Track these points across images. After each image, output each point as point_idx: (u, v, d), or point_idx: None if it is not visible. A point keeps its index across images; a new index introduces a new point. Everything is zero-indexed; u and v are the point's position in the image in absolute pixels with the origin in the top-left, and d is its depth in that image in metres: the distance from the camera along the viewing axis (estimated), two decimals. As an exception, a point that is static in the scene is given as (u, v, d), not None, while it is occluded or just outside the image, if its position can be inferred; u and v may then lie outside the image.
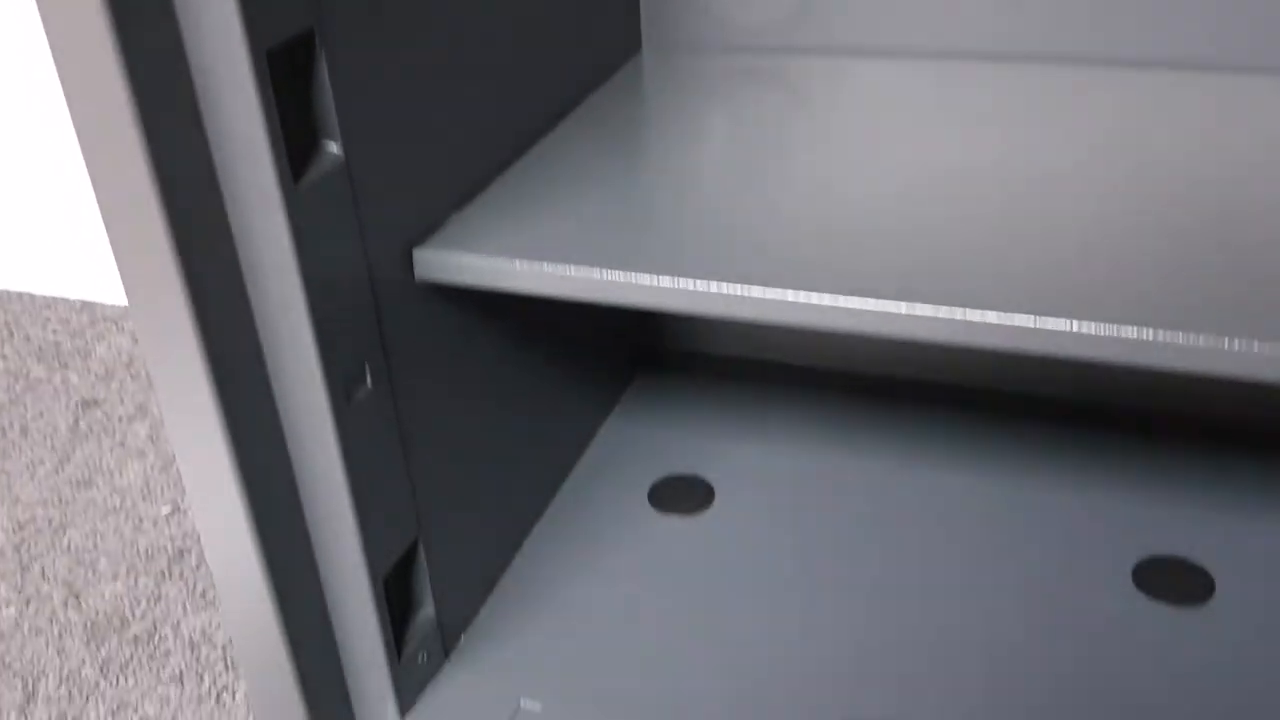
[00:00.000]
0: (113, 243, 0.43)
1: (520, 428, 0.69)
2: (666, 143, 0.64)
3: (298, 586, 0.54)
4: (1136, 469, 0.76)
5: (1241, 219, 0.52)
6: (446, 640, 0.64)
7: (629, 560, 0.71)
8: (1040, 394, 0.83)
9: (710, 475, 0.78)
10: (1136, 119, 0.63)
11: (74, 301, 1.23)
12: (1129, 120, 0.63)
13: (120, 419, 1.02)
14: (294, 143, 0.45)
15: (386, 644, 0.57)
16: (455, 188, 0.57)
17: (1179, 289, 0.46)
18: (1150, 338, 0.44)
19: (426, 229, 0.55)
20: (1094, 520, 0.71)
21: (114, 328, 1.17)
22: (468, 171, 0.58)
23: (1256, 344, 0.42)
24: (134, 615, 0.79)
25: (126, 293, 0.44)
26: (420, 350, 0.56)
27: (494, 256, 0.52)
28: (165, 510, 0.90)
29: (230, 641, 0.76)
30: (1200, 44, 0.69)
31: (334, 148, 0.47)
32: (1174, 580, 0.67)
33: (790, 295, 0.48)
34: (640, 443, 0.81)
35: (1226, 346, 0.43)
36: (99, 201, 0.42)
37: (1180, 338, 0.44)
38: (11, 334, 1.17)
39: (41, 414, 1.03)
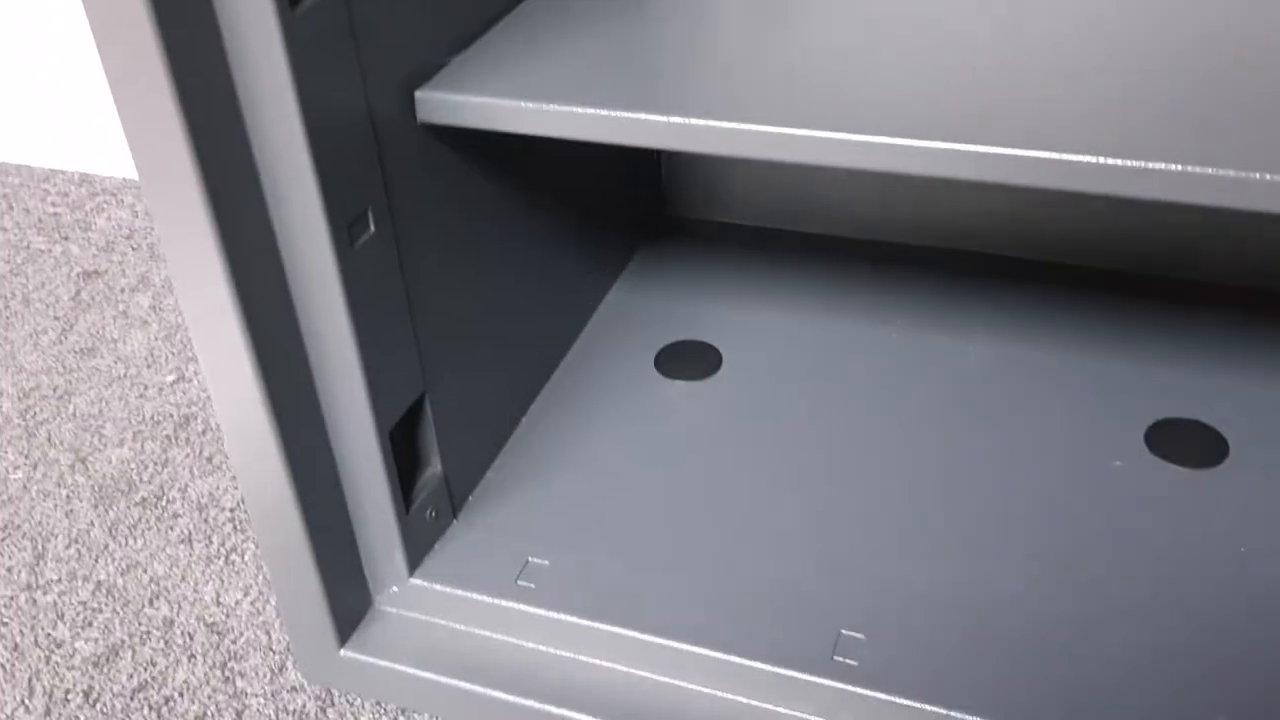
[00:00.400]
0: (109, 78, 0.41)
1: (526, 286, 0.68)
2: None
3: (306, 439, 0.53)
4: (1148, 334, 0.75)
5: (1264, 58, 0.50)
6: (455, 499, 0.63)
7: (636, 423, 0.70)
8: (1052, 260, 0.82)
9: (717, 340, 0.77)
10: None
11: (72, 174, 1.21)
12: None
13: (122, 290, 1.01)
14: (290, -32, 0.43)
15: (394, 497, 0.57)
16: (455, 31, 0.55)
17: (1193, 124, 0.45)
18: (1157, 168, 0.42)
19: (427, 71, 0.53)
20: (1107, 384, 0.71)
21: (113, 200, 1.15)
22: (468, 14, 0.56)
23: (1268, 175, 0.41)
24: (141, 479, 0.79)
25: (126, 136, 0.43)
26: (423, 195, 0.55)
27: (495, 98, 0.51)
28: (170, 378, 0.89)
29: (239, 504, 0.76)
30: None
31: (332, -25, 0.45)
32: (1188, 442, 0.67)
33: (789, 131, 0.46)
34: (646, 309, 0.80)
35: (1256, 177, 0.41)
36: (96, 40, 0.40)
37: (1199, 170, 0.42)
38: (11, 206, 1.16)
39: (43, 285, 1.02)
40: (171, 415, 0.85)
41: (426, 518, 0.60)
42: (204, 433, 0.83)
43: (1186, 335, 0.74)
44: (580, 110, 0.49)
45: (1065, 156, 0.43)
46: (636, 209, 0.86)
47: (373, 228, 0.51)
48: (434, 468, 0.61)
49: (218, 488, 0.78)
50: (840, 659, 0.55)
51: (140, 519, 0.76)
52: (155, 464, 0.81)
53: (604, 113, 0.49)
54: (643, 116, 0.49)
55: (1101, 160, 0.43)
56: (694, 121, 0.48)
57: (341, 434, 0.55)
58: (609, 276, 0.82)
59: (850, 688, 0.53)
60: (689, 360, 0.75)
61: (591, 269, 0.79)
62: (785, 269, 0.83)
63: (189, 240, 0.45)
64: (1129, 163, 0.43)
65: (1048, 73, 0.49)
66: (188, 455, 0.81)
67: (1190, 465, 0.65)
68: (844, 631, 0.56)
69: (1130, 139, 0.44)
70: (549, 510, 0.64)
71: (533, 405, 0.72)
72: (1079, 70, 0.49)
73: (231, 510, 0.76)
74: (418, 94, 0.52)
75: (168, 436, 0.83)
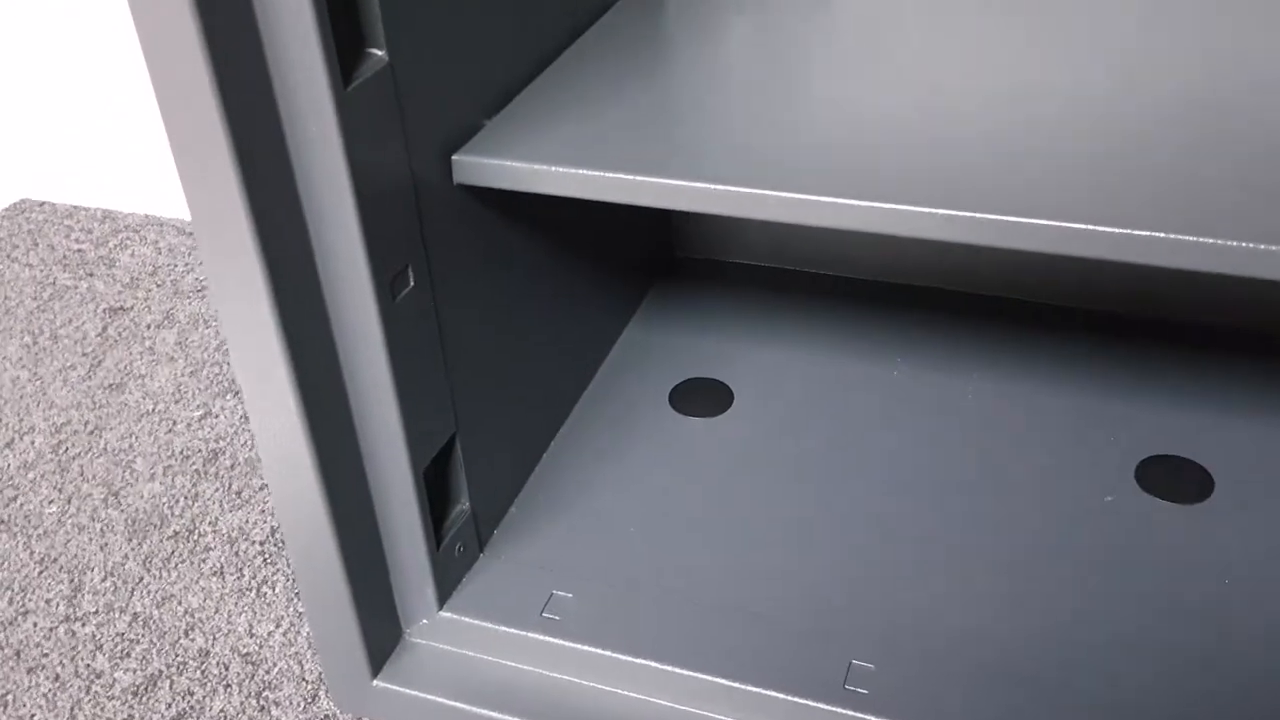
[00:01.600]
0: (175, 152, 0.45)
1: (548, 329, 0.72)
2: (688, 49, 0.65)
3: (344, 479, 0.56)
4: (1138, 373, 0.78)
5: (1246, 123, 0.53)
6: (481, 535, 0.67)
7: (652, 460, 0.73)
8: (1047, 301, 0.85)
9: (729, 379, 0.80)
10: (1143, 23, 0.64)
11: (94, 210, 1.24)
12: (1137, 24, 0.64)
13: (148, 325, 1.04)
14: (343, 49, 0.47)
15: (427, 535, 0.60)
16: (488, 96, 0.59)
17: (1181, 191, 0.48)
18: (1146, 236, 0.46)
19: (463, 135, 0.56)
20: (1099, 422, 0.74)
21: (136, 237, 1.19)
22: (499, 80, 0.60)
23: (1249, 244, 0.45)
24: (173, 513, 0.83)
25: (188, 199, 0.46)
26: (458, 250, 0.58)
27: (526, 162, 0.54)
28: (198, 413, 0.92)
29: (268, 537, 0.79)
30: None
31: (380, 53, 0.48)
32: (1175, 479, 0.70)
33: (799, 197, 0.50)
34: (660, 347, 0.83)
35: (1227, 244, 0.45)
36: (163, 113, 0.44)
37: (1180, 239, 0.45)
38: (35, 243, 1.19)
39: (70, 320, 1.05)
40: (200, 450, 0.88)
41: (456, 553, 0.64)
42: (232, 467, 0.86)
43: (1174, 374, 0.78)
44: (602, 174, 0.53)
45: (1057, 223, 0.47)
46: (649, 250, 0.90)
47: (412, 282, 0.54)
48: (463, 504, 0.64)
49: (247, 521, 0.81)
50: (851, 688, 0.58)
51: (174, 552, 0.79)
52: (186, 498, 0.84)
53: (625, 177, 0.53)
54: (660, 181, 0.52)
55: (1090, 228, 0.46)
56: (705, 186, 0.51)
57: (378, 474, 0.58)
58: (623, 316, 0.85)
59: (861, 715, 0.56)
60: (702, 397, 0.79)
61: (607, 309, 0.82)
62: (792, 309, 0.87)
63: (243, 294, 0.48)
64: (1109, 229, 0.46)
65: (1040, 142, 0.53)
66: (217, 489, 0.84)
67: (1178, 501, 0.68)
68: (855, 662, 0.59)
69: (1110, 204, 0.47)
70: (571, 544, 0.67)
71: (553, 442, 0.75)
72: (1078, 146, 0.53)
73: (261, 544, 0.79)
74: (455, 158, 0.55)
75: (197, 471, 0.86)
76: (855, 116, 0.56)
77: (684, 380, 0.80)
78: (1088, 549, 0.65)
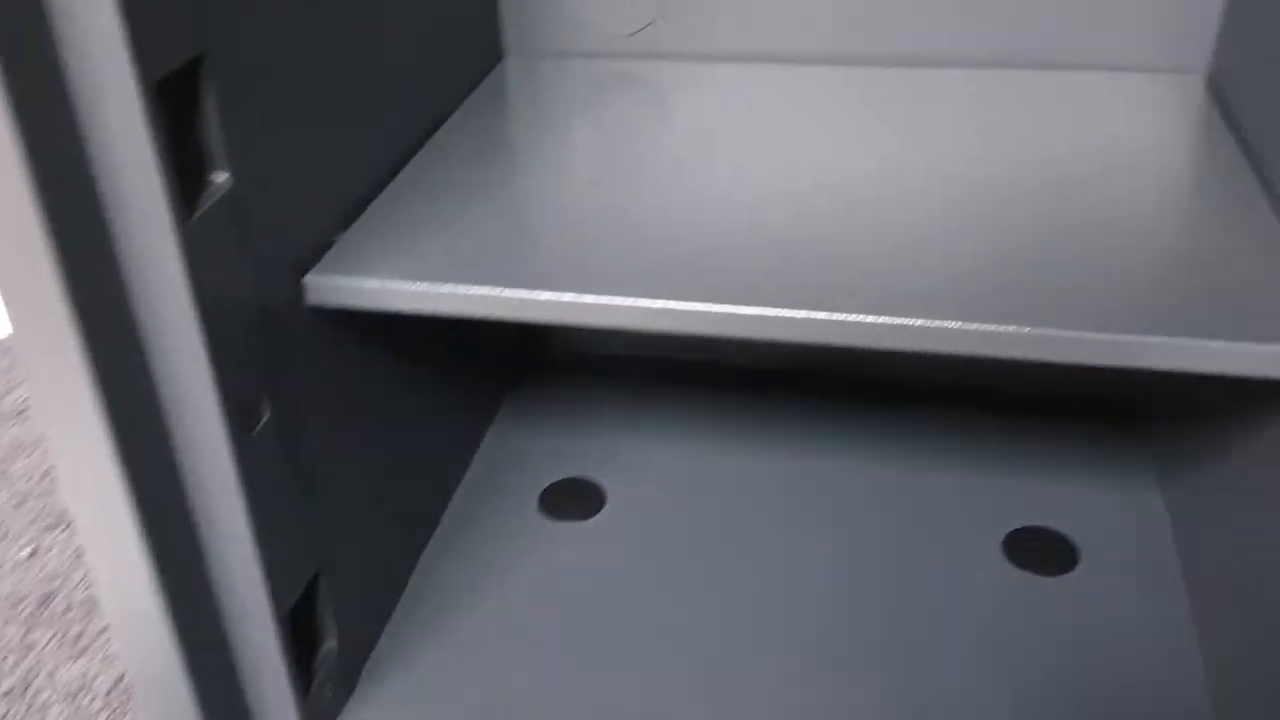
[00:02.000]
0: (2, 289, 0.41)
1: (412, 446, 0.69)
2: (535, 151, 0.64)
3: (198, 623, 0.52)
4: (1002, 446, 0.79)
5: (1069, 214, 0.55)
6: (351, 672, 0.62)
7: (523, 572, 0.70)
8: (910, 380, 0.86)
9: (599, 477, 0.78)
10: (975, 117, 0.66)
11: (-101, 335, 1.15)
12: (967, 118, 0.66)
13: (-36, 458, 0.96)
14: (184, 174, 0.44)
15: (293, 680, 0.56)
16: (339, 211, 0.56)
17: (1007, 281, 0.49)
18: (976, 329, 0.47)
19: (314, 253, 0.54)
20: (965, 497, 0.75)
21: (-53, 361, 1.10)
22: (350, 192, 0.57)
23: (1073, 332, 0.46)
24: (4, 668, 0.75)
25: (15, 338, 0.42)
26: (314, 375, 0.55)
27: (382, 279, 0.52)
28: (25, 552, 0.85)
29: (114, 686, 0.73)
30: (1029, 42, 0.73)
31: (223, 178, 0.45)
32: (1041, 551, 0.71)
33: (660, 304, 0.49)
34: (526, 449, 0.81)
35: (1046, 334, 0.46)
36: (-22, 245, 0.40)
37: (1001, 328, 0.46)
38: None
39: (-126, 458, 0.97)
40: (30, 594, 0.81)
41: (325, 696, 0.59)
42: (67, 610, 0.79)
43: (1033, 444, 0.79)
44: (457, 290, 0.51)
45: (876, 320, 0.47)
46: (508, 350, 0.88)
47: (267, 413, 0.50)
48: (330, 643, 0.60)
49: (89, 671, 0.74)
50: (752, 803, 0.56)
51: (8, 712, 0.72)
52: (18, 650, 0.76)
53: (480, 290, 0.51)
54: (515, 294, 0.50)
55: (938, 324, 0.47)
56: (557, 298, 0.50)
57: (237, 617, 0.54)
58: (486, 420, 0.83)
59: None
60: (572, 499, 0.76)
61: (470, 415, 0.80)
62: (653, 397, 0.85)
63: (80, 436, 0.44)
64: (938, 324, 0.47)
65: (884, 241, 0.54)
66: (53, 636, 0.77)
67: (1045, 573, 0.69)
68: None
69: (940, 298, 0.48)
70: (445, 672, 0.64)
71: (421, 560, 0.71)
72: (906, 238, 0.54)
73: (107, 695, 0.72)
74: (306, 279, 0.52)
75: (29, 617, 0.79)
76: (699, 218, 0.56)
77: (553, 482, 0.78)
78: (963, 627, 0.65)
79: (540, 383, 0.88)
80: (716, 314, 0.49)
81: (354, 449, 0.60)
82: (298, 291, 0.52)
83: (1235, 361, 0.46)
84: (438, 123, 0.68)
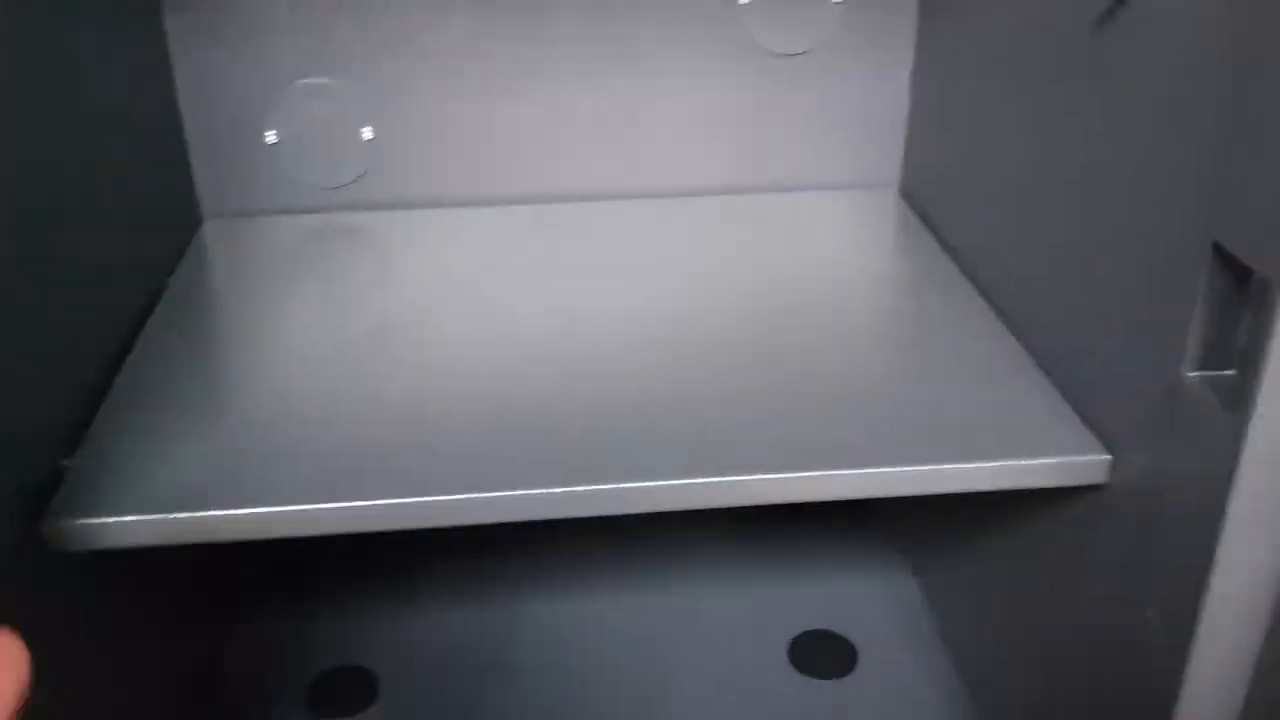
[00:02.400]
0: None
1: (168, 666, 0.62)
2: (252, 332, 0.61)
3: None
4: (763, 557, 0.81)
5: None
6: None
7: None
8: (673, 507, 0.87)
9: (368, 661, 0.73)
10: (695, 244, 0.69)
11: None
12: (688, 247, 0.69)
13: None
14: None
15: None
16: (65, 433, 0.51)
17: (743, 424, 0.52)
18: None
19: (45, 485, 0.48)
20: (749, 609, 0.76)
21: None
22: (70, 415, 0.51)
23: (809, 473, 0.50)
24: None
25: None
26: (53, 616, 0.49)
27: (119, 516, 0.47)
28: None
29: None
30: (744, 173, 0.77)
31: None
32: (825, 653, 0.73)
33: (387, 502, 0.48)
34: (286, 642, 0.75)
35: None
36: None
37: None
38: None
39: None
40: None
41: None
42: None
43: (800, 552, 0.81)
44: (191, 517, 0.47)
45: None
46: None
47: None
48: None
49: None
50: None
51: None
52: None
53: (211, 516, 0.47)
54: (245, 514, 0.48)
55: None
56: (300, 509, 0.48)
57: None
58: (237, 616, 0.76)
59: None
60: (342, 691, 0.71)
61: (221, 613, 0.73)
62: (417, 567, 0.81)
63: None
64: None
65: (616, 394, 0.55)
66: None
67: (829, 676, 0.71)
68: None
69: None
70: None
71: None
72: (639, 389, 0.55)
73: None
74: (48, 524, 0.46)
75: None
76: (413, 404, 0.55)
77: (319, 673, 0.72)
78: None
79: (292, 573, 0.82)
80: (449, 503, 0.48)
81: (109, 687, 0.54)
82: (36, 533, 0.46)
83: (961, 480, 0.50)
84: (145, 310, 0.62)
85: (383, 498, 0.48)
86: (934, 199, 0.72)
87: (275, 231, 0.73)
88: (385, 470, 0.49)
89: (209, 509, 0.47)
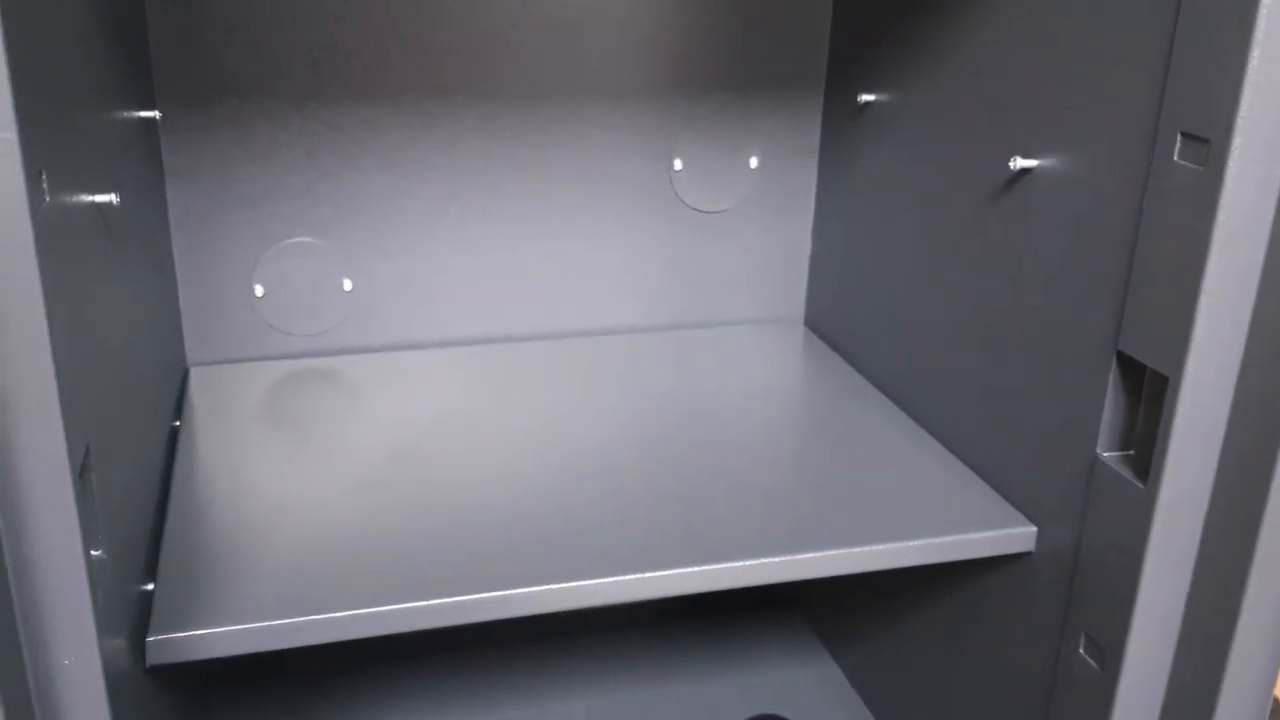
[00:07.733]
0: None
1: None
2: (243, 473, 0.67)
3: None
4: (689, 649, 0.89)
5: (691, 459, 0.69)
6: None
7: None
8: (619, 603, 0.94)
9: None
10: (624, 377, 0.79)
11: None
12: (622, 379, 0.79)
13: None
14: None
15: None
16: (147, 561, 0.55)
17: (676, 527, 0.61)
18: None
19: (138, 610, 0.52)
20: (700, 696, 0.83)
21: None
22: (145, 544, 0.56)
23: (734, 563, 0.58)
24: None
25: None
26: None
27: (232, 625, 0.52)
28: None
29: None
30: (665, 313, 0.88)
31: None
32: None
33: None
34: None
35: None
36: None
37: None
38: None
39: None
40: None
41: None
42: None
43: (719, 643, 0.90)
44: (312, 618, 0.53)
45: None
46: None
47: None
48: None
49: None
50: None
51: None
52: None
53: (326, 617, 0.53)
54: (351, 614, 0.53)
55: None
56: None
57: None
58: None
59: None
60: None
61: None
62: (357, 682, 0.85)
63: None
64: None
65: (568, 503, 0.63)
66: None
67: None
68: None
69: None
70: None
71: None
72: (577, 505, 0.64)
73: None
74: (150, 639, 0.51)
75: None
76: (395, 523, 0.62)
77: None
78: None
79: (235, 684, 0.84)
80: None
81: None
82: (138, 656, 0.51)
83: (901, 557, 0.60)
84: (171, 454, 0.67)
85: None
86: (838, 327, 0.85)
87: (259, 375, 0.78)
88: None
89: (285, 617, 0.53)
